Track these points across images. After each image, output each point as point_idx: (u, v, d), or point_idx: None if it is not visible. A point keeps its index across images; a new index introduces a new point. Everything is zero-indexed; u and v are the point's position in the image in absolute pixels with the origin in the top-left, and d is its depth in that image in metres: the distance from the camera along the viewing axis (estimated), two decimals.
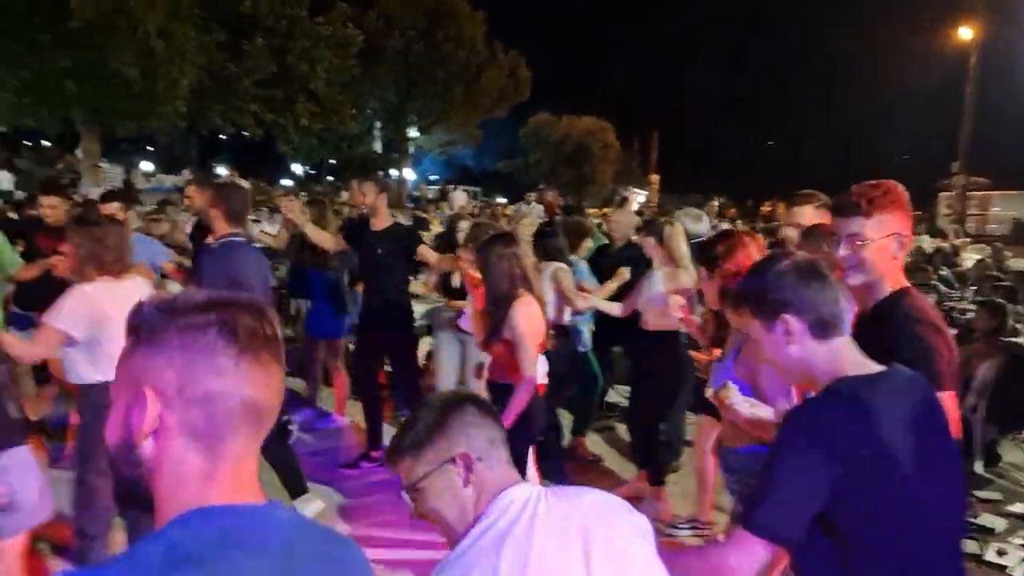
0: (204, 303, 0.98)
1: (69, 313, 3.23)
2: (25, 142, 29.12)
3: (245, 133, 21.48)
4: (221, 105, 18.81)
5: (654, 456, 4.96)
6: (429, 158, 35.73)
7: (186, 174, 20.46)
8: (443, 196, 25.33)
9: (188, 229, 6.87)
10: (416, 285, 6.56)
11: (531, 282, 3.83)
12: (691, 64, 64.61)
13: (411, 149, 32.34)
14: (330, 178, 32.79)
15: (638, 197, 29.91)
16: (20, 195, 13.06)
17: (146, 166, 26.05)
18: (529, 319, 3.66)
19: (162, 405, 0.95)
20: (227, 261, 3.98)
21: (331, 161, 32.80)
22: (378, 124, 29.79)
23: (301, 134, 20.61)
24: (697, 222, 6.11)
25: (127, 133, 18.18)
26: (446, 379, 5.80)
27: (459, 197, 26.49)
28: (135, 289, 3.40)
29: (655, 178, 36.13)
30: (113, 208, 5.03)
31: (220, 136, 27.33)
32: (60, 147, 27.19)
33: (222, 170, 31.71)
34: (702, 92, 63.25)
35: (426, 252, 5.48)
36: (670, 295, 4.44)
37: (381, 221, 5.33)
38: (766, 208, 25.45)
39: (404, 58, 27.82)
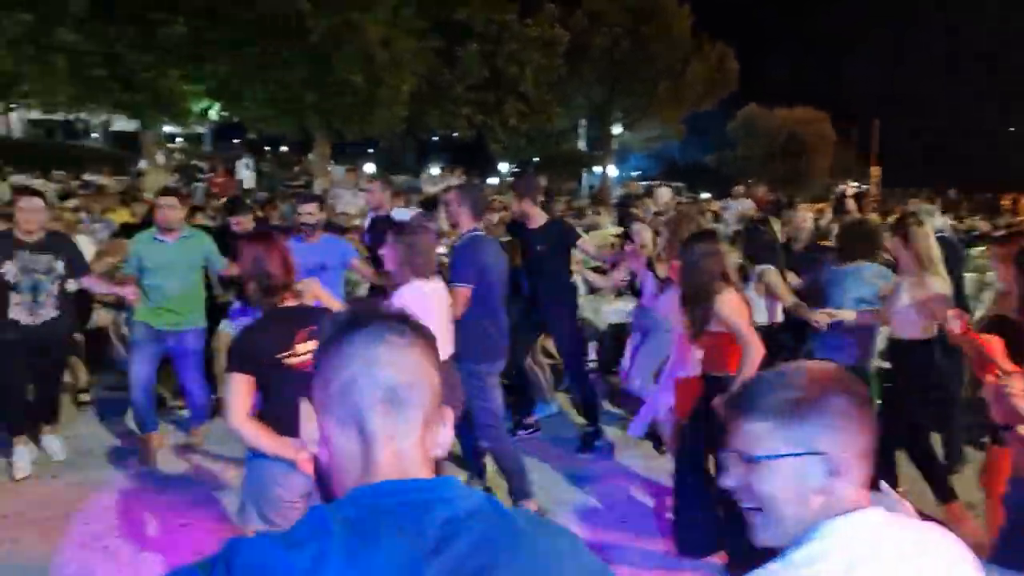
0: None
1: None
2: (266, 147, 32.49)
3: (456, 135, 22.57)
4: (437, 109, 19.93)
5: (937, 473, 4.41)
6: (633, 154, 35.57)
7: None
8: (648, 192, 25.16)
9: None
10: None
11: (731, 279, 3.87)
12: (913, 49, 59.20)
13: (615, 145, 32.37)
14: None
15: (851, 191, 28.05)
16: (261, 195, 14.57)
17: (369, 167, 28.10)
18: (735, 305, 3.70)
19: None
20: (471, 252, 4.38)
21: (535, 159, 33.60)
22: (583, 122, 30.09)
23: (509, 134, 21.32)
24: (930, 218, 5.66)
25: (353, 137, 19.71)
26: (644, 374, 5.78)
27: (663, 193, 26.11)
28: (438, 290, 3.99)
29: (876, 171, 33.67)
30: (312, 208, 5.59)
31: (434, 138, 28.92)
32: (296, 151, 30.06)
33: (435, 170, 33.53)
34: (925, 79, 57.81)
35: (585, 245, 5.89)
36: (922, 304, 4.13)
37: (535, 221, 5.64)
38: (1005, 202, 22.88)
39: (610, 55, 27.89)
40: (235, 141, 34.65)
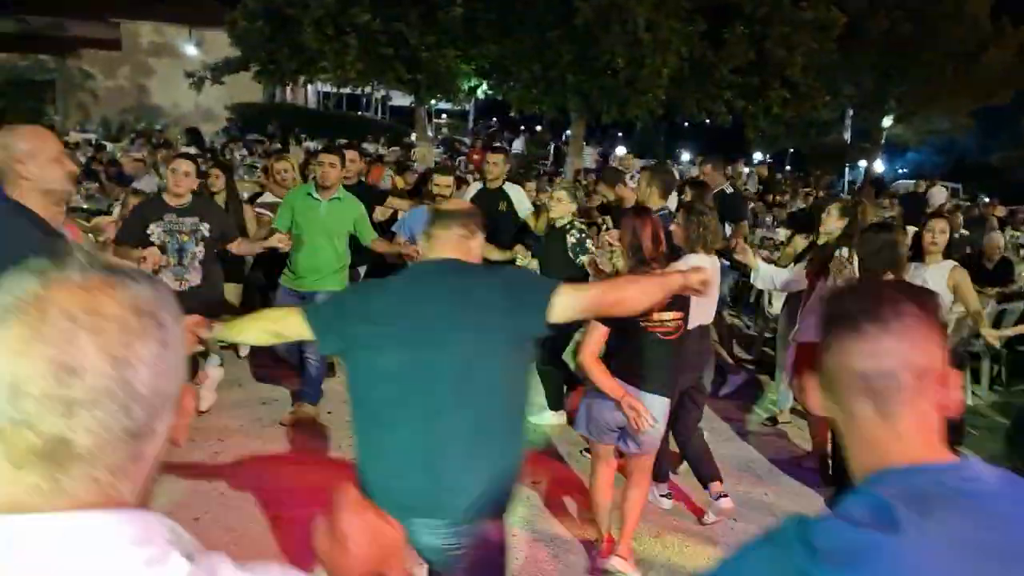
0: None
1: None
2: (521, 127, 33.71)
3: (710, 121, 21.91)
4: (697, 93, 19.49)
5: None
6: (909, 150, 32.52)
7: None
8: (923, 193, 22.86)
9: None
10: None
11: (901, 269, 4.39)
12: None
13: (883, 139, 29.73)
14: (788, 167, 31.84)
15: None
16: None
17: (620, 150, 28.25)
18: None
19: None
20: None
21: (790, 150, 31.78)
22: (850, 112, 27.95)
23: (770, 121, 20.31)
24: None
25: (611, 120, 19.84)
26: None
27: (937, 195, 23.56)
28: (715, 265, 4.48)
29: None
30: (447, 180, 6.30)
31: (686, 123, 28.31)
32: (551, 132, 30.89)
33: (686, 155, 32.96)
34: None
35: None
36: None
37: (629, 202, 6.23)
38: None
39: (886, 40, 25.57)
40: (493, 119, 36.33)
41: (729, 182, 8.62)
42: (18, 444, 0.75)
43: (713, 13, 18.52)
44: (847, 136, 28.80)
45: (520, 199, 6.76)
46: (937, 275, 5.19)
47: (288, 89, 30.46)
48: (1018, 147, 33.58)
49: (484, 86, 20.50)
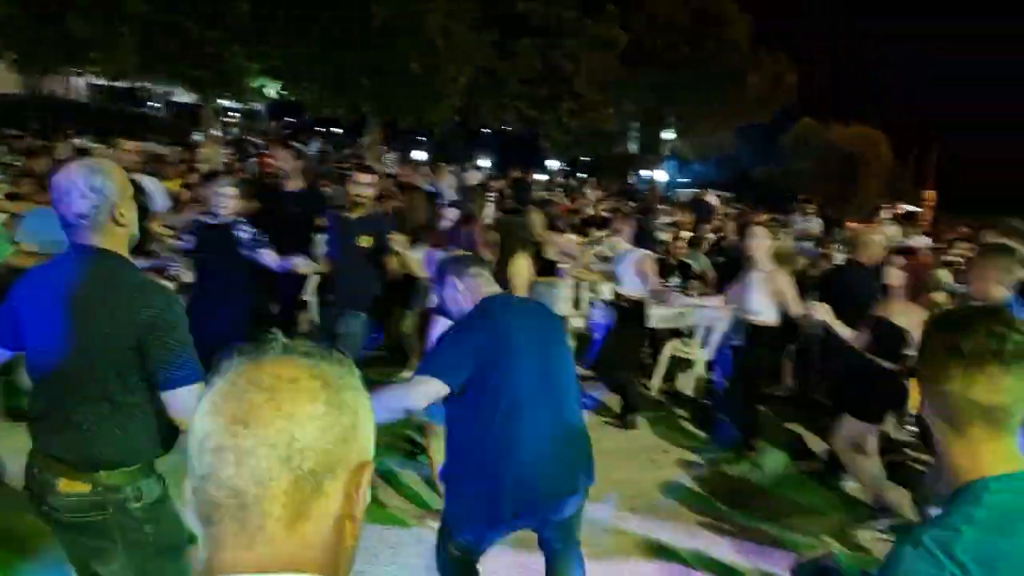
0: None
1: None
2: (318, 128, 32.86)
3: (507, 128, 22.63)
4: (490, 101, 20.03)
5: None
6: (687, 162, 35.31)
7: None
8: (696, 201, 24.90)
9: None
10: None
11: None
12: (981, 76, 57.63)
13: (666, 151, 32.15)
14: (582, 175, 33.55)
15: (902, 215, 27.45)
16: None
17: (419, 155, 28.33)
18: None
19: None
20: None
21: (583, 158, 33.49)
22: (635, 125, 29.94)
23: (560, 131, 21.31)
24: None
25: (407, 125, 19.89)
26: None
27: (710, 201, 25.89)
28: None
29: (931, 194, 32.92)
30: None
31: (484, 130, 29.03)
32: (349, 136, 30.35)
33: (483, 162, 33.67)
34: (991, 107, 56.27)
35: None
36: None
37: None
38: None
39: (666, 60, 27.73)
40: (288, 120, 35.10)
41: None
42: (202, 499, 0.82)
43: (504, 24, 19.14)
44: (634, 147, 30.79)
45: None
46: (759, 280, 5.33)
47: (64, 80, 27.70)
48: (773, 161, 37.69)
49: (278, 86, 19.80)
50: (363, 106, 19.12)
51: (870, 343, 4.49)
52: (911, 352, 4.34)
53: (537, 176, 30.87)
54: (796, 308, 5.13)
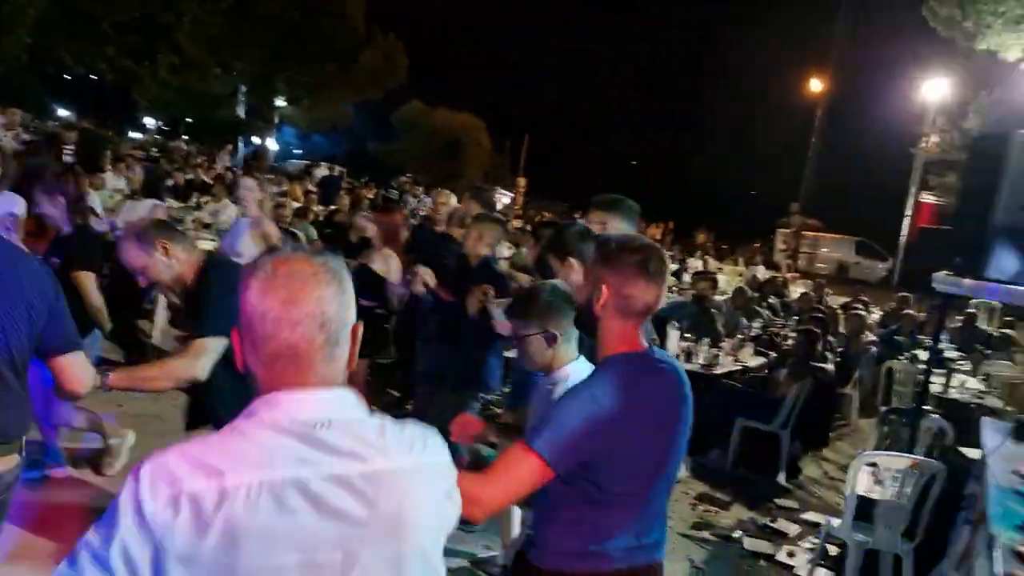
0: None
1: None
2: None
3: (94, 76, 20.01)
4: (73, 43, 17.44)
5: None
6: (303, 134, 34.63)
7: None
8: (308, 172, 24.62)
9: None
10: None
11: None
12: (565, 78, 65.83)
13: (277, 119, 31.17)
14: (185, 137, 31.06)
15: (503, 199, 30.35)
16: None
17: None
18: None
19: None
20: None
21: (188, 120, 31.07)
22: (243, 88, 28.45)
23: (159, 86, 19.41)
24: None
25: None
26: None
27: (317, 173, 25.81)
28: None
29: (522, 181, 36.74)
30: None
31: (66, 76, 25.26)
32: None
33: (63, 112, 29.38)
34: (575, 105, 64.67)
35: None
36: None
37: None
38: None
39: (278, 23, 26.80)
40: None
41: None
42: (265, 350, 1.24)
43: None
44: (241, 112, 29.27)
45: None
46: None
47: None
48: (389, 139, 39.02)
49: None
50: None
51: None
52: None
53: (133, 134, 27.90)
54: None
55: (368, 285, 5.06)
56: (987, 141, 4.93)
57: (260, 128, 29.93)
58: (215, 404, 2.59)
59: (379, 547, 1.22)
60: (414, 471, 1.28)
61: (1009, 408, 6.59)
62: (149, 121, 28.86)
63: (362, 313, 1.31)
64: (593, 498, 1.84)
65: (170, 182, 12.52)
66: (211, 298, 2.57)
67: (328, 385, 1.26)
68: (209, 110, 26.78)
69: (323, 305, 1.23)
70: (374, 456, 1.24)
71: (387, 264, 5.37)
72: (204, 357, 2.51)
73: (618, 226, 3.10)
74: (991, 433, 3.78)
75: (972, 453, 4.57)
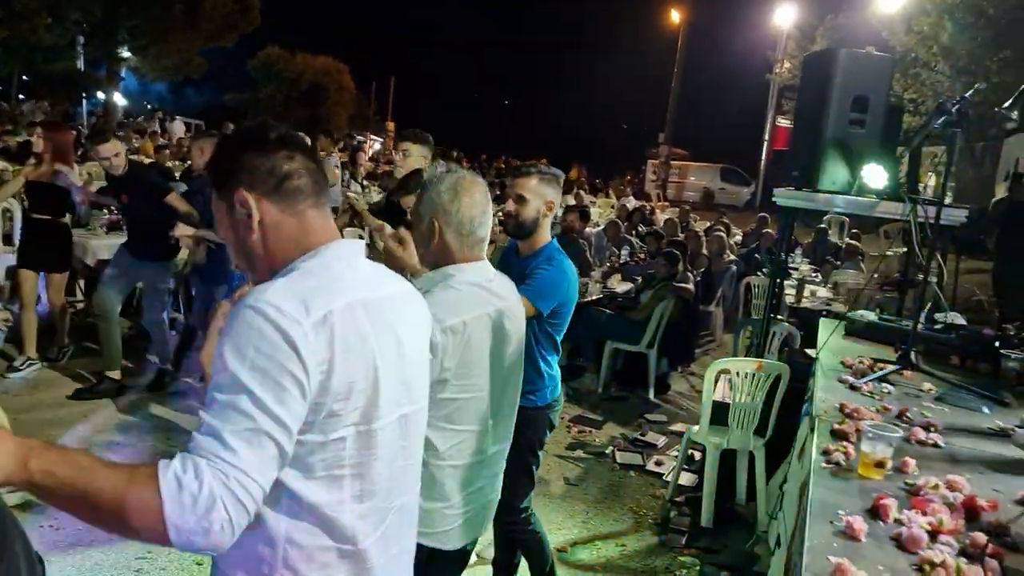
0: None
1: None
2: None
3: None
4: None
5: None
6: (145, 84, 32.33)
7: None
8: (160, 127, 23.17)
9: None
10: None
11: None
12: (434, 12, 64.31)
13: (123, 71, 28.95)
14: (21, 96, 28.52)
15: (375, 145, 29.67)
16: None
17: None
18: None
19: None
20: None
21: (24, 77, 28.45)
22: (81, 39, 26.22)
23: None
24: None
25: None
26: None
27: (178, 128, 24.36)
28: None
29: (391, 125, 35.97)
30: None
31: None
32: None
33: None
34: (441, 45, 63.46)
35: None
36: None
37: None
38: (499, 163, 26.52)
39: None
40: None
41: None
42: (471, 235, 2.20)
43: None
44: (81, 64, 27.02)
45: None
46: None
47: None
48: (245, 89, 37.18)
49: None
50: None
51: None
52: None
53: None
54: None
55: None
56: (816, 60, 5.19)
57: (102, 81, 27.78)
58: None
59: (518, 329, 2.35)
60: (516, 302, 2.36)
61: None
62: None
63: None
64: None
65: None
66: None
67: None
68: (44, 64, 24.61)
69: (491, 207, 2.24)
70: (507, 296, 2.29)
71: None
72: None
73: (419, 152, 4.34)
74: (825, 331, 4.08)
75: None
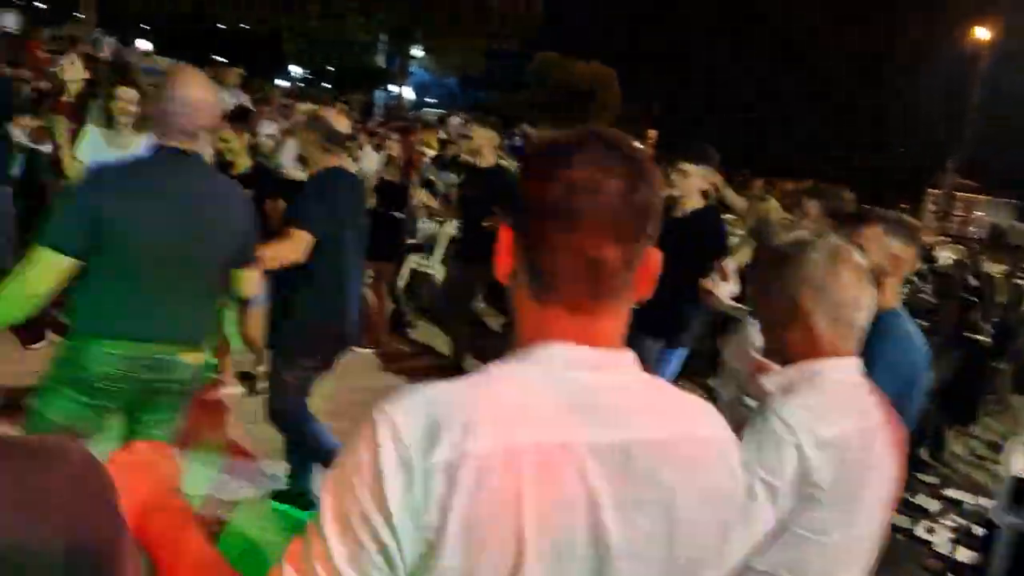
0: None
1: None
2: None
3: (244, 26, 20.94)
4: None
5: None
6: (437, 82, 35.02)
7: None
8: (441, 121, 24.94)
9: None
10: None
11: None
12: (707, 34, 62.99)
13: (413, 68, 31.62)
14: (326, 85, 32.16)
15: None
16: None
17: (143, 44, 25.39)
18: None
19: None
20: None
21: (329, 68, 32.05)
22: (384, 37, 29.00)
23: (304, 37, 20.16)
24: None
25: (135, 8, 17.68)
26: None
27: (455, 123, 26.03)
28: None
29: (653, 133, 35.83)
30: None
31: (219, 26, 26.57)
32: (55, 10, 26.32)
33: (218, 58, 30.99)
34: (707, 58, 61.97)
35: None
36: None
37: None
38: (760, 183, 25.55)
39: None
40: None
41: None
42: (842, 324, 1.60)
43: None
44: (381, 61, 29.91)
45: None
46: None
47: None
48: (518, 89, 38.91)
49: None
50: None
51: None
52: None
53: (280, 82, 29.14)
54: None
55: None
56: None
57: (396, 77, 30.51)
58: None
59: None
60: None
61: None
62: (295, 70, 29.96)
63: None
64: None
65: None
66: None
67: None
68: (351, 60, 27.50)
69: None
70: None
71: None
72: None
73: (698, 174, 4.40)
74: None
75: None
